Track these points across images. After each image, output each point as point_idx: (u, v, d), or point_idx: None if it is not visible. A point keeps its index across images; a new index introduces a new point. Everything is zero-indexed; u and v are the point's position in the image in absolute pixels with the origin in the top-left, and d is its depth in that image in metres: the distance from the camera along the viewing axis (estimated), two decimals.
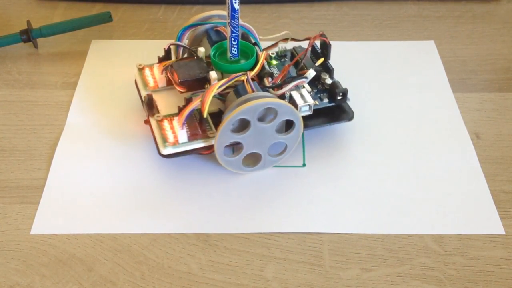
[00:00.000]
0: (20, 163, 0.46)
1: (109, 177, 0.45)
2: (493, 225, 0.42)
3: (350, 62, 0.53)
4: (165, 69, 0.45)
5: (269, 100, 0.40)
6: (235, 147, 0.43)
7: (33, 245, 0.40)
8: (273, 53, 0.49)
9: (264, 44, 0.48)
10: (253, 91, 0.41)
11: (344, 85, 0.48)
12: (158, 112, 0.44)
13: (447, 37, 0.59)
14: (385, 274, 0.39)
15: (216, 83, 0.41)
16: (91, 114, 0.49)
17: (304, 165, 0.46)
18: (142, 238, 0.41)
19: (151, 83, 0.47)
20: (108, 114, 0.49)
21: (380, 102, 0.51)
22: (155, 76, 0.47)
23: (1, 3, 0.64)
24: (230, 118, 0.40)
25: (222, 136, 0.41)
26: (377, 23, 0.61)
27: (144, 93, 0.46)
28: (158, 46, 0.49)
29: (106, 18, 0.57)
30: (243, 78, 0.41)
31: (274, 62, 0.49)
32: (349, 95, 0.46)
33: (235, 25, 0.41)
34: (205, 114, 0.41)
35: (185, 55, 0.47)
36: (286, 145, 0.43)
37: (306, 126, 0.44)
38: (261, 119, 0.41)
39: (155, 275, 0.39)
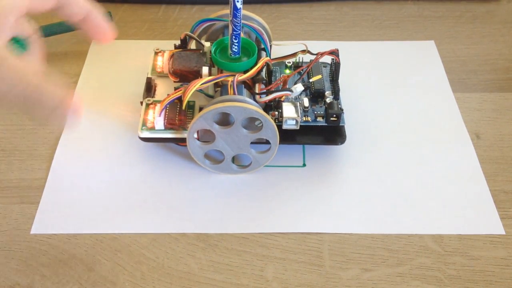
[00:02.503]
0: (20, 163, 0.46)
1: (109, 177, 0.45)
2: (493, 225, 0.42)
3: (350, 62, 0.53)
4: (171, 57, 0.46)
5: (223, 105, 0.40)
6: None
7: (33, 245, 0.40)
8: (289, 62, 0.49)
9: (282, 52, 0.47)
10: (234, 94, 0.41)
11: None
12: (154, 96, 0.45)
13: (447, 37, 0.59)
14: (385, 274, 0.39)
15: (201, 79, 0.42)
16: (91, 114, 0.49)
17: (304, 165, 0.46)
18: (142, 238, 0.41)
19: (158, 68, 0.48)
20: (108, 114, 0.49)
21: (380, 102, 0.51)
22: (164, 62, 0.48)
23: None
24: (198, 117, 0.41)
25: (191, 131, 0.42)
26: (377, 23, 0.61)
27: (148, 76, 0.47)
28: (158, 46, 0.49)
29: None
30: (230, 79, 0.41)
31: (287, 71, 0.49)
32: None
33: (237, 24, 0.41)
34: (183, 106, 0.42)
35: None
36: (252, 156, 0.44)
37: (294, 141, 0.45)
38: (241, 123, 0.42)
39: (155, 275, 0.39)
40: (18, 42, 0.39)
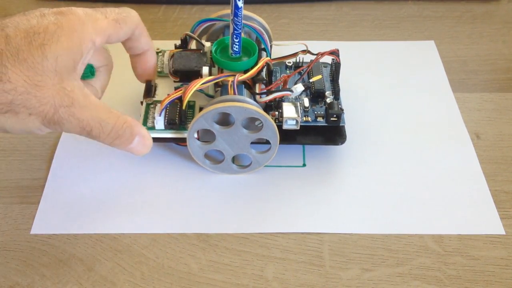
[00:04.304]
0: (20, 163, 0.46)
1: (109, 177, 0.45)
2: (493, 225, 0.42)
3: (350, 62, 0.53)
4: (171, 57, 0.46)
5: (223, 105, 0.40)
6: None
7: (33, 245, 0.40)
8: (289, 62, 0.49)
9: (283, 52, 0.48)
10: (235, 94, 0.41)
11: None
12: (154, 96, 0.45)
13: (447, 37, 0.59)
14: (385, 274, 0.39)
15: (201, 79, 0.42)
16: None
17: (304, 165, 0.46)
18: (142, 238, 0.41)
19: (159, 68, 0.48)
20: None
21: (380, 102, 0.51)
22: (164, 62, 0.48)
23: (1, 3, 0.64)
24: (198, 117, 0.41)
25: (191, 131, 0.42)
26: (377, 23, 0.61)
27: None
28: (158, 46, 0.49)
29: None
30: (230, 79, 0.41)
31: (287, 71, 0.49)
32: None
33: (238, 23, 0.41)
34: (184, 106, 0.42)
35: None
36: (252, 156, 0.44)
37: (294, 141, 0.45)
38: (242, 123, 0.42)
39: (155, 275, 0.39)
40: (87, 68, 0.40)
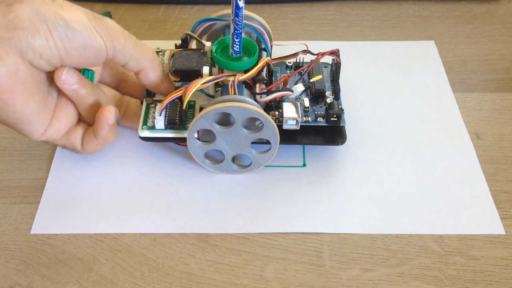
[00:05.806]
0: (20, 163, 0.46)
1: (109, 177, 0.45)
2: (493, 225, 0.42)
3: (350, 62, 0.53)
4: (171, 56, 0.46)
5: (223, 105, 0.40)
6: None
7: (33, 245, 0.40)
8: (289, 62, 0.49)
9: (283, 52, 0.48)
10: (235, 94, 0.41)
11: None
12: (155, 96, 0.45)
13: (447, 37, 0.59)
14: (385, 274, 0.39)
15: (201, 79, 0.42)
16: None
17: (304, 165, 0.46)
18: (142, 238, 0.41)
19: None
20: None
21: (380, 102, 0.51)
22: (164, 61, 0.48)
23: None
24: (199, 117, 0.41)
25: (191, 131, 0.42)
26: (377, 23, 0.61)
27: None
28: (159, 46, 0.49)
29: None
30: (230, 79, 0.41)
31: (288, 71, 0.49)
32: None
33: (239, 23, 0.41)
34: (184, 106, 0.42)
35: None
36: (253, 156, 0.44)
37: (294, 141, 0.45)
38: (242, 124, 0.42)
39: (155, 275, 0.39)
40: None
